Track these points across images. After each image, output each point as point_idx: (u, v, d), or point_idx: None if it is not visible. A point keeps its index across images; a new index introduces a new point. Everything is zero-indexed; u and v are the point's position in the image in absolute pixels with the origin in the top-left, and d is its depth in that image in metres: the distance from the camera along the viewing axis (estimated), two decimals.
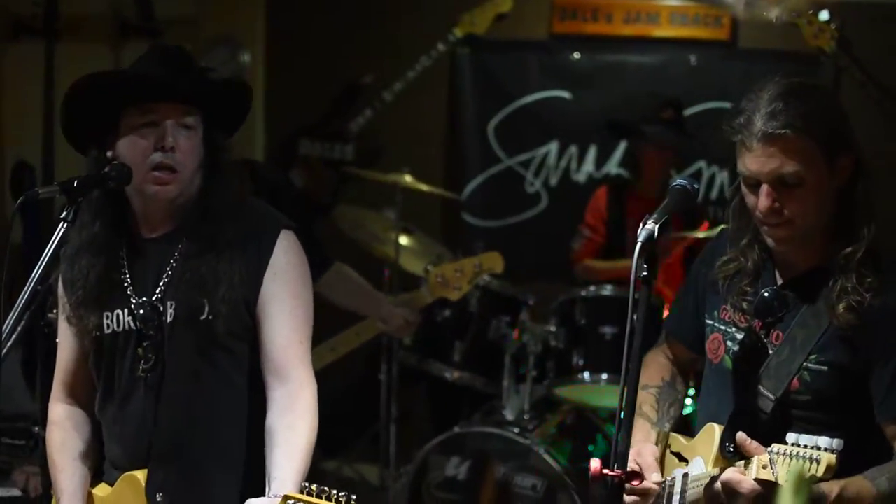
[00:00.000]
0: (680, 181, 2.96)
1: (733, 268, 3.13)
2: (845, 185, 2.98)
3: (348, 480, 6.76)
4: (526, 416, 5.62)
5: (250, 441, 3.14)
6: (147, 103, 3.07)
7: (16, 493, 4.13)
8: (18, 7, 6.71)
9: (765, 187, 2.93)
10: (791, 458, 2.69)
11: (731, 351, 3.12)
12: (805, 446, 2.68)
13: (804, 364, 2.99)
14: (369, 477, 6.79)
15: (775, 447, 2.75)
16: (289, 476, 2.98)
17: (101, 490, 3.25)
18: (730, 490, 2.84)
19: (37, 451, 3.96)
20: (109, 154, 3.10)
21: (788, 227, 2.96)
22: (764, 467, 2.75)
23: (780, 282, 3.09)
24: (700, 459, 3.07)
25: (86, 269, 3.15)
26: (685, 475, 3.07)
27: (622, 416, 2.72)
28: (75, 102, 3.12)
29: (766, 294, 3.06)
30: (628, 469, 2.77)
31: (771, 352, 3.04)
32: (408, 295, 5.30)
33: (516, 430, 5.48)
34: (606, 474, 2.72)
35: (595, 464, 2.74)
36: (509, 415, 5.65)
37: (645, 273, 2.75)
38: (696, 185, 2.96)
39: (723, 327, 3.15)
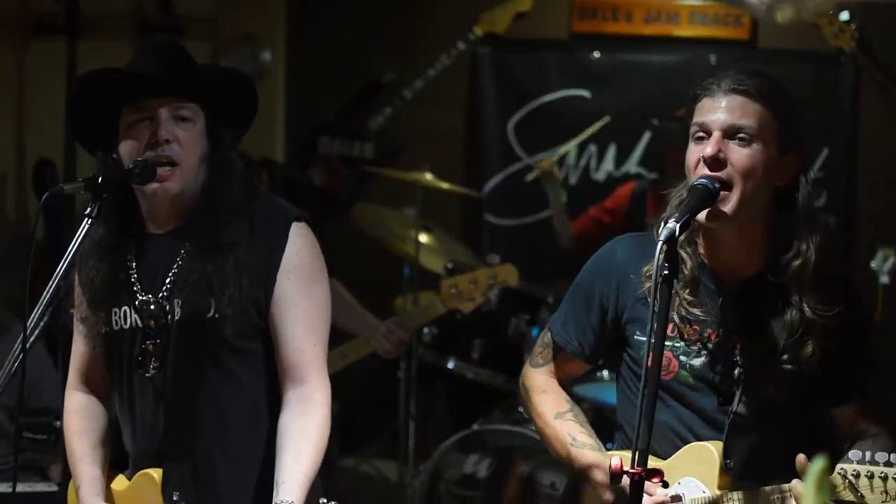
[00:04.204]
0: (701, 180, 2.94)
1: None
2: (787, 185, 3.01)
3: (367, 477, 6.78)
4: None
5: (266, 441, 3.10)
6: (139, 99, 3.04)
7: (53, 488, 4.15)
8: (40, 5, 6.73)
9: (716, 134, 2.94)
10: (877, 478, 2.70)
11: (688, 366, 3.07)
12: (878, 462, 2.70)
13: (776, 368, 3.00)
14: (388, 473, 6.80)
15: (844, 467, 2.73)
16: (295, 481, 2.96)
17: (119, 484, 3.25)
18: None
19: (58, 445, 3.98)
20: (115, 157, 3.08)
21: (726, 203, 2.93)
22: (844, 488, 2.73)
23: (721, 288, 3.06)
24: (691, 479, 3.03)
25: (93, 269, 3.13)
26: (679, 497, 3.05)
27: (642, 413, 2.73)
28: (77, 105, 3.13)
29: (725, 304, 3.04)
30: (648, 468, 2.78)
31: (738, 361, 3.02)
32: (421, 305, 5.30)
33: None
34: (627, 472, 2.73)
35: (616, 461, 2.74)
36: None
37: (667, 272, 2.75)
38: (717, 185, 2.94)
39: (668, 343, 3.04)
